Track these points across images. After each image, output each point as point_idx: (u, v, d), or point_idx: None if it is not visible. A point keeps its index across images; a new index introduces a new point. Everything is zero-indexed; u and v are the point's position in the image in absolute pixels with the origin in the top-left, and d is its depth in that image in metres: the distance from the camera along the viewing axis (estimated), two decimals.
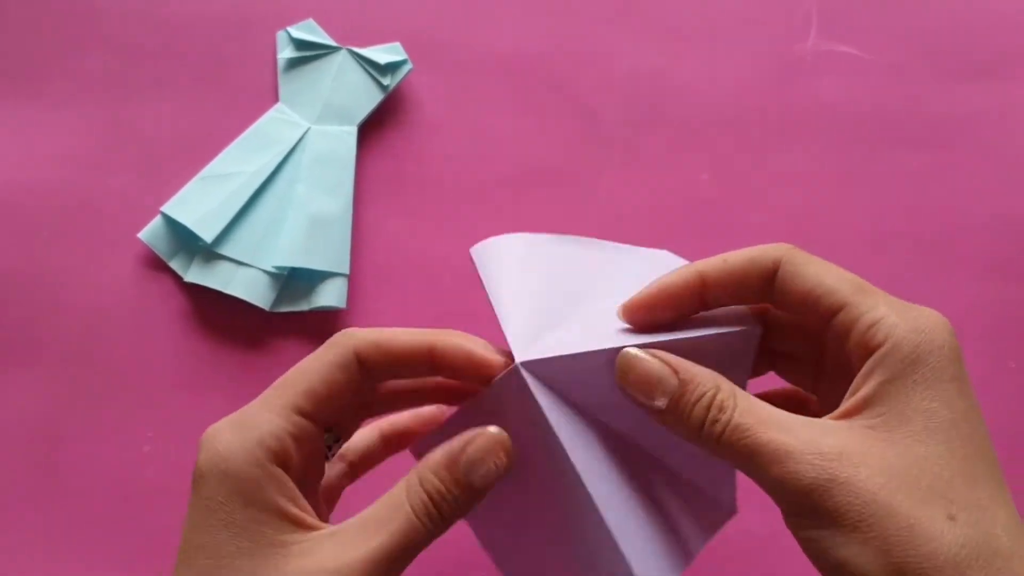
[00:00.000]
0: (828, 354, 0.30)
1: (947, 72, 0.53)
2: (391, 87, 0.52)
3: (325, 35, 0.53)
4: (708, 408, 0.26)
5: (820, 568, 0.25)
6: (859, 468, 0.24)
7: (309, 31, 0.53)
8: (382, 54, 0.52)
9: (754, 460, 0.25)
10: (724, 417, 0.26)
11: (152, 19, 0.54)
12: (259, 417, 0.27)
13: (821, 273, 0.28)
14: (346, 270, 0.48)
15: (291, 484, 0.27)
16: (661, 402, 0.27)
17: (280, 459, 0.27)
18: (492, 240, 0.32)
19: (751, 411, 0.26)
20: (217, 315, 0.48)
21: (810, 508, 0.24)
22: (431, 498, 0.26)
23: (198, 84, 0.52)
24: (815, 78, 0.53)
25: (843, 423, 0.26)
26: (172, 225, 0.49)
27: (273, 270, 0.47)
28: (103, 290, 0.48)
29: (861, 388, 0.26)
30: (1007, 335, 0.47)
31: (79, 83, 0.52)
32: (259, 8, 0.54)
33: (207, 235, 0.47)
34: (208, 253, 0.48)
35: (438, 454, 0.27)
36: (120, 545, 0.44)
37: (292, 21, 0.53)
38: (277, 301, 0.48)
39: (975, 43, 0.54)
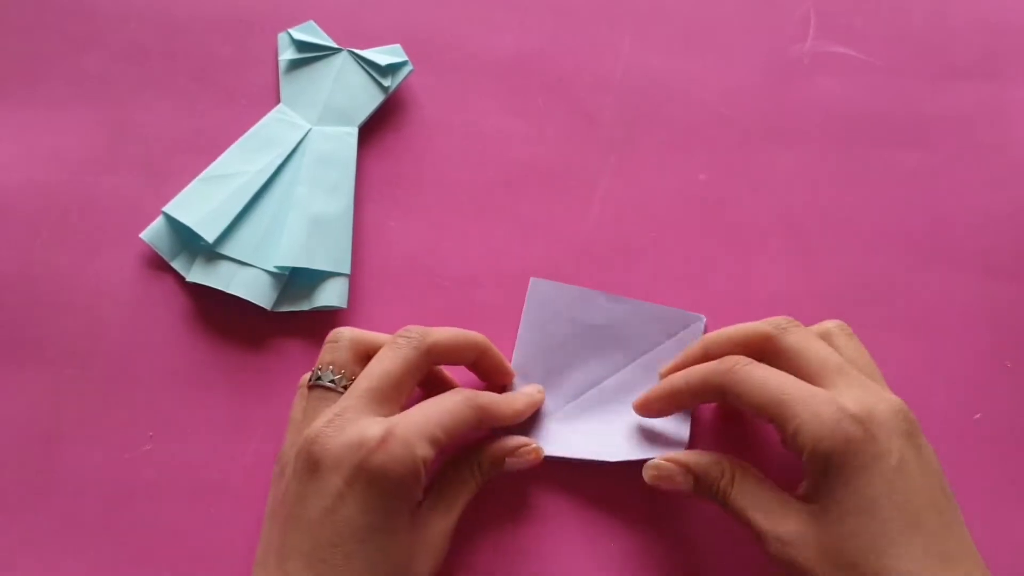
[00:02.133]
0: None
1: (944, 72, 0.54)
2: (392, 88, 0.52)
3: (326, 37, 0.53)
4: (715, 494, 0.38)
5: None
6: (803, 550, 0.34)
7: (310, 33, 0.53)
8: (383, 56, 0.52)
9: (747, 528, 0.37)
10: (731, 493, 0.37)
11: (152, 19, 0.54)
12: (415, 441, 0.36)
13: (761, 384, 0.37)
14: (347, 270, 0.48)
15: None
16: (684, 488, 0.39)
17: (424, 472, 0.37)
18: (546, 284, 0.47)
19: (744, 493, 0.37)
20: (219, 314, 0.48)
21: None
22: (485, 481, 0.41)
23: (199, 85, 0.52)
24: (813, 79, 0.54)
25: (801, 506, 0.35)
26: (174, 225, 0.49)
27: (275, 270, 0.48)
28: (105, 290, 0.48)
29: (804, 480, 0.36)
30: (1003, 335, 0.48)
31: (79, 83, 0.52)
32: (260, 9, 0.54)
33: (209, 235, 0.48)
34: (210, 253, 0.48)
35: (493, 450, 0.42)
36: (120, 545, 0.44)
37: (293, 23, 0.53)
38: (279, 301, 0.48)
39: (970, 44, 0.55)
